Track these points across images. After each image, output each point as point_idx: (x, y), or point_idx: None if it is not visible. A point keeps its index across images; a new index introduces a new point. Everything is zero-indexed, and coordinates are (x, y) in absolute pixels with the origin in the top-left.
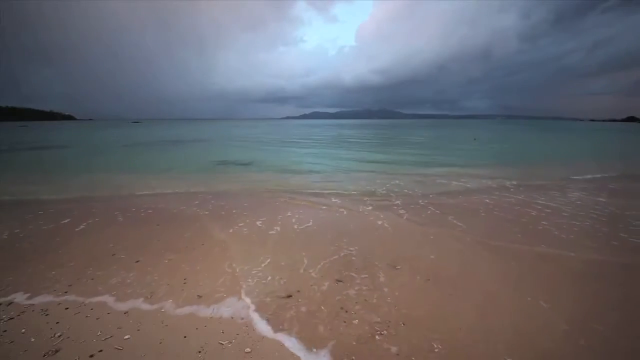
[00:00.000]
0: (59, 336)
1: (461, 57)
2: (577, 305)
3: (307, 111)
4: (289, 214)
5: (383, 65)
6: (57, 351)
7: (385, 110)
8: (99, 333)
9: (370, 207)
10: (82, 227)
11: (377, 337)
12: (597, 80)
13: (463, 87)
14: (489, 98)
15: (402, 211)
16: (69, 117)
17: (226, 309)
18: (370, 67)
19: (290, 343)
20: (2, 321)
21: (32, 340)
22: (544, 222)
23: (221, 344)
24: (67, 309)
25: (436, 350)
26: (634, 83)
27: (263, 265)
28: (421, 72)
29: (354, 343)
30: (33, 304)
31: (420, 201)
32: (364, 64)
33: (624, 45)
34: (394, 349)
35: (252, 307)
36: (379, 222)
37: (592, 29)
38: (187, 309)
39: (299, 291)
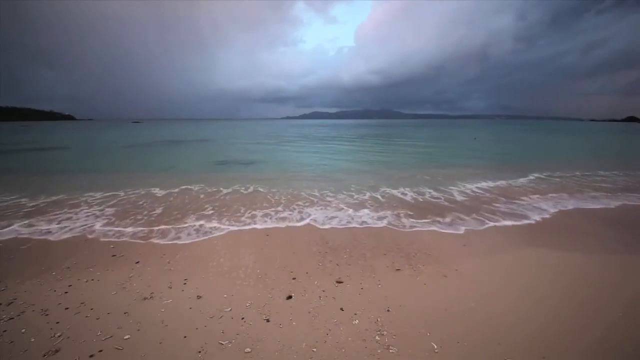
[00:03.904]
0: (59, 336)
1: (460, 58)
2: (576, 306)
3: (307, 111)
4: (290, 215)
5: (382, 65)
6: (57, 351)
7: (385, 110)
8: (99, 333)
9: (369, 211)
10: (82, 228)
11: (376, 337)
12: (596, 80)
13: (462, 87)
14: (489, 98)
15: (401, 214)
16: (69, 117)
17: (226, 309)
18: (369, 68)
19: (290, 344)
20: (2, 321)
21: (32, 340)
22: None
23: (221, 344)
24: (67, 309)
25: (436, 350)
26: (633, 83)
27: (264, 265)
28: (420, 72)
29: (354, 343)
30: (33, 304)
31: (420, 203)
32: (362, 64)
33: (621, 46)
34: (393, 349)
35: (253, 307)
36: (378, 225)
37: (589, 29)
38: (187, 309)
39: (299, 292)
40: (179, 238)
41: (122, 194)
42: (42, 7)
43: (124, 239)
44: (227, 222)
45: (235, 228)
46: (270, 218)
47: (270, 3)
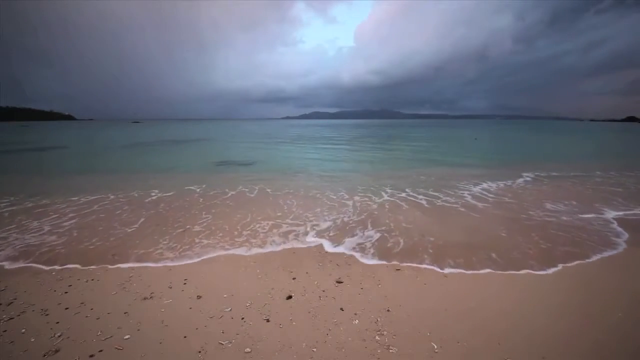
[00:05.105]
0: (59, 336)
1: (459, 58)
2: (576, 306)
3: (307, 111)
4: (290, 215)
5: (381, 65)
6: (57, 351)
7: (385, 110)
8: (99, 333)
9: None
10: (81, 228)
11: (377, 337)
12: (596, 80)
13: (462, 87)
14: (488, 98)
15: (403, 217)
16: (69, 117)
17: (226, 309)
18: (368, 68)
19: (290, 344)
20: (2, 321)
21: (32, 340)
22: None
23: (221, 344)
24: (67, 309)
25: (436, 350)
26: (633, 83)
27: (263, 266)
28: (419, 72)
29: (354, 343)
30: (33, 304)
31: (423, 203)
32: (362, 64)
33: (621, 46)
34: (393, 349)
35: (252, 307)
36: (380, 226)
37: (588, 29)
38: (187, 309)
39: (299, 292)
40: (179, 239)
41: (111, 197)
42: (42, 7)
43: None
44: (228, 224)
45: (236, 231)
46: (272, 219)
47: (270, 3)
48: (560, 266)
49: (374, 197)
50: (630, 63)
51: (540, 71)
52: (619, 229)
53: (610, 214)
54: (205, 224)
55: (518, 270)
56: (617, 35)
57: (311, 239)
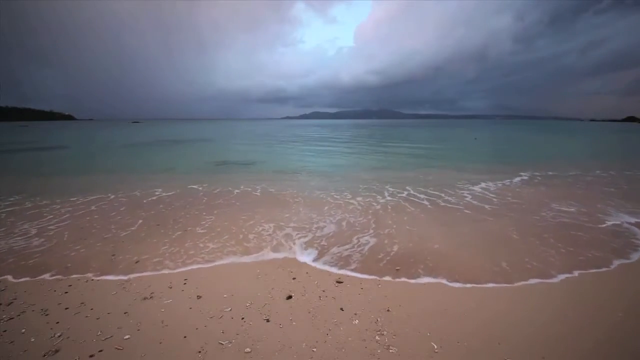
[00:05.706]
0: (59, 336)
1: (459, 58)
2: (576, 306)
3: (307, 111)
4: (291, 216)
5: (381, 65)
6: (57, 351)
7: (385, 110)
8: (99, 333)
9: (376, 207)
10: (81, 228)
11: (376, 337)
12: (595, 80)
13: (462, 88)
14: (488, 98)
15: (406, 217)
16: (69, 117)
17: (226, 309)
18: (368, 68)
19: (290, 344)
20: (2, 321)
21: (32, 340)
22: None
23: (221, 344)
24: (67, 309)
25: (436, 350)
26: (632, 83)
27: (263, 266)
28: (419, 72)
29: (354, 343)
30: (33, 304)
31: (427, 204)
32: (362, 64)
33: (620, 46)
34: (393, 349)
35: (252, 307)
36: (381, 225)
37: (587, 30)
38: (187, 309)
39: (299, 292)
40: (178, 239)
41: (111, 196)
42: (41, 7)
43: None
44: (228, 224)
45: (236, 231)
46: (272, 219)
47: (270, 3)
48: (576, 273)
49: (377, 197)
50: (630, 63)
51: (539, 71)
52: (636, 229)
53: (620, 216)
54: (207, 226)
55: (527, 280)
56: (616, 35)
57: (311, 247)
